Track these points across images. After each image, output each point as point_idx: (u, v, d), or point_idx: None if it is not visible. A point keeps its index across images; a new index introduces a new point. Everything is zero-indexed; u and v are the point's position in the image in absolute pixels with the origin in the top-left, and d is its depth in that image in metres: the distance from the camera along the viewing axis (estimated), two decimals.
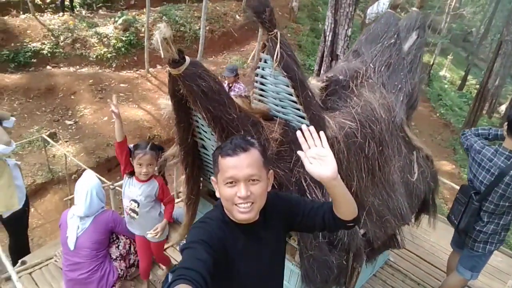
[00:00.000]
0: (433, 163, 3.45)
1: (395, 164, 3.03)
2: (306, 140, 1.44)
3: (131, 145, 3.03)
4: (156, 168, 3.08)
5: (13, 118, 4.09)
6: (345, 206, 1.59)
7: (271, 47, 2.18)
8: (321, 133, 1.44)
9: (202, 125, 2.23)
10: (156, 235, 3.02)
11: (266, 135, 2.33)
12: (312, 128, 1.43)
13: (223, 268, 1.55)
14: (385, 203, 2.91)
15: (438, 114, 15.42)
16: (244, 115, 2.15)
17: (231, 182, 1.49)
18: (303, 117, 2.47)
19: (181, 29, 10.67)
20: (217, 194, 1.58)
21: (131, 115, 7.92)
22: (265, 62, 2.36)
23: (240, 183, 1.49)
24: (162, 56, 1.61)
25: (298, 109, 2.45)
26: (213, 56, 11.31)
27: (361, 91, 2.98)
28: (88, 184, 3.22)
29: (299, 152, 1.45)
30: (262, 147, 1.58)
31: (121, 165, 3.13)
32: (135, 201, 3.06)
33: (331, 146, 2.53)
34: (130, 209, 3.09)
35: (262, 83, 2.54)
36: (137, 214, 3.08)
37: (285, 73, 2.24)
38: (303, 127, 1.43)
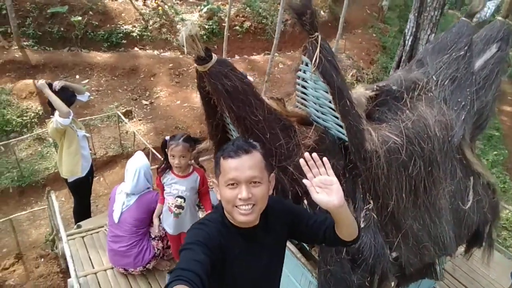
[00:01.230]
0: (495, 192, 3.10)
1: (445, 188, 2.77)
2: (310, 169, 1.43)
3: (167, 137, 3.10)
4: (192, 161, 3.12)
5: (87, 93, 4.45)
6: (347, 229, 1.58)
7: (310, 51, 2.11)
8: (325, 159, 1.42)
9: (229, 123, 2.23)
10: None
11: (297, 140, 2.26)
12: (315, 155, 1.41)
13: (218, 270, 1.55)
14: (426, 228, 2.68)
15: None
16: (274, 118, 2.12)
17: (232, 184, 1.50)
18: (341, 126, 2.36)
19: (263, 21, 10.76)
20: (218, 197, 1.58)
21: None
22: (306, 65, 2.29)
23: (241, 185, 1.49)
24: (185, 52, 1.63)
25: (337, 117, 2.35)
26: (292, 51, 11.24)
27: (416, 104, 2.75)
28: (138, 164, 3.41)
29: (304, 181, 1.44)
30: (263, 149, 1.58)
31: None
32: (181, 197, 3.12)
33: (369, 160, 2.40)
34: (176, 205, 3.14)
35: (303, 87, 2.47)
36: (183, 209, 3.15)
37: (323, 79, 2.15)
38: (306, 155, 1.42)
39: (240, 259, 1.64)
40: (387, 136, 2.53)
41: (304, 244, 2.65)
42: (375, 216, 2.48)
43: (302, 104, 2.59)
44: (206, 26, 9.93)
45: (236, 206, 1.51)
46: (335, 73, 2.14)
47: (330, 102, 2.29)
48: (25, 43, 8.42)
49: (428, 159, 2.66)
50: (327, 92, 2.25)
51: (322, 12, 12.04)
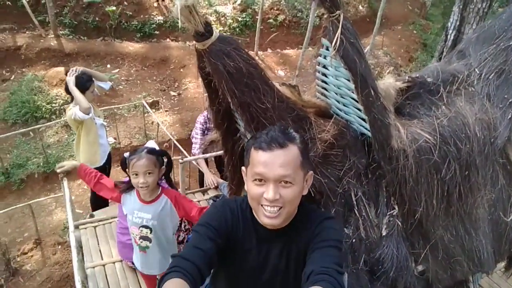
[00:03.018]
0: None
1: (483, 196, 2.43)
2: None
3: (126, 153, 2.58)
4: (161, 178, 2.59)
5: (110, 83, 4.37)
6: None
7: (330, 32, 1.84)
8: None
9: (234, 110, 2.01)
10: None
11: (312, 134, 2.00)
12: None
13: (226, 258, 1.47)
14: (460, 240, 2.35)
15: None
16: (285, 106, 1.87)
17: (259, 180, 1.32)
18: (364, 120, 2.09)
19: (298, 15, 10.45)
20: (245, 187, 1.42)
21: None
22: (326, 49, 2.02)
23: (269, 183, 1.30)
24: (180, 25, 1.43)
25: (360, 110, 2.07)
26: None
27: (454, 99, 2.42)
28: None
29: None
30: (303, 144, 1.37)
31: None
32: (146, 227, 2.59)
33: (395, 160, 2.11)
34: (141, 237, 2.63)
35: (324, 74, 2.21)
36: (150, 242, 2.62)
37: (345, 64, 1.89)
38: None
39: (247, 257, 1.48)
40: (418, 133, 2.22)
41: None
42: (399, 224, 2.19)
43: (322, 94, 2.32)
44: (239, 19, 9.74)
45: (261, 205, 1.34)
46: (358, 58, 1.86)
47: (352, 91, 2.02)
48: (61, 32, 8.56)
49: (465, 162, 2.33)
50: (349, 80, 1.98)
51: (360, 7, 11.57)
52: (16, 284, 4.31)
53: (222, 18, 9.72)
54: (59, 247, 4.85)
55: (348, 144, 2.15)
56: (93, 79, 4.05)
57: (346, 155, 2.13)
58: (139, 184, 2.40)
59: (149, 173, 2.41)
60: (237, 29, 9.69)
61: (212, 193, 4.54)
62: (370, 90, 1.93)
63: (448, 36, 5.63)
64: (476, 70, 2.59)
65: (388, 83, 2.26)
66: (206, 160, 4.67)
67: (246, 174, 1.41)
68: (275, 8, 10.41)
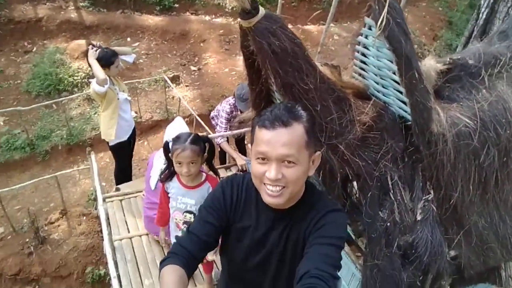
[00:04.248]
0: None
1: None
2: None
3: (169, 139, 2.61)
4: (204, 166, 2.64)
5: (134, 55, 4.35)
6: None
7: (376, 11, 1.78)
8: None
9: (275, 91, 1.97)
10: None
11: (352, 116, 1.97)
12: None
13: (226, 232, 1.53)
14: (494, 227, 2.32)
15: None
16: (327, 87, 1.84)
17: (262, 159, 1.29)
18: (404, 103, 2.04)
19: None
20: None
21: None
22: (369, 28, 1.96)
23: (271, 162, 1.27)
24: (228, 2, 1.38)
25: (401, 92, 2.02)
26: (349, 22, 10.60)
27: (495, 83, 2.34)
28: (177, 130, 3.25)
29: None
30: (310, 123, 1.30)
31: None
32: (190, 212, 2.64)
33: (434, 144, 2.07)
34: (185, 222, 2.68)
35: (363, 54, 2.15)
36: None
37: (389, 45, 1.83)
38: None
39: (245, 233, 1.49)
40: (458, 118, 2.16)
41: (350, 232, 2.39)
42: (434, 209, 2.16)
43: (360, 75, 2.27)
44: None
45: (264, 184, 1.32)
46: (404, 39, 1.80)
47: (394, 73, 1.97)
48: (81, 4, 8.50)
49: (504, 149, 2.27)
50: (391, 62, 1.92)
51: None
52: (45, 252, 4.45)
53: None
54: (84, 218, 4.96)
55: (386, 127, 2.12)
56: (117, 53, 4.04)
57: (384, 138, 2.10)
58: (183, 172, 2.48)
59: (193, 163, 2.46)
60: (258, 3, 9.49)
61: (235, 170, 4.57)
62: (414, 72, 1.87)
63: (480, 15, 5.41)
64: None
65: (429, 64, 2.19)
66: (227, 139, 4.67)
67: (251, 152, 1.39)
68: None
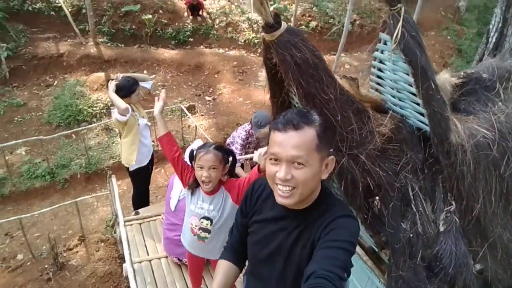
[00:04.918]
0: None
1: None
2: None
3: (194, 147, 2.70)
4: (225, 177, 2.65)
5: (152, 81, 4.51)
6: None
7: (391, 25, 1.87)
8: None
9: (297, 103, 2.04)
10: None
11: (371, 127, 2.02)
12: None
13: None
14: None
15: None
16: (346, 99, 1.90)
17: (275, 160, 1.37)
18: (422, 114, 2.08)
19: (330, 21, 10.49)
20: None
21: (265, 99, 8.00)
22: (385, 43, 2.04)
23: (282, 163, 1.35)
24: (252, 12, 1.48)
25: (418, 104, 2.07)
26: (359, 52, 10.83)
27: (510, 96, 2.38)
28: None
29: None
30: (322, 127, 1.36)
31: (177, 171, 2.79)
32: (207, 218, 2.64)
33: (453, 155, 2.09)
34: (201, 228, 2.66)
35: (380, 69, 2.22)
36: (209, 233, 2.66)
37: (405, 57, 1.90)
38: None
39: (259, 227, 1.61)
40: (476, 129, 2.19)
41: (373, 245, 2.38)
42: (457, 220, 2.16)
43: (376, 90, 2.33)
44: (259, 36, 9.84)
45: (276, 184, 1.39)
46: (419, 51, 1.88)
47: (410, 85, 2.03)
48: (100, 40, 8.88)
49: None
50: (407, 74, 1.99)
51: None
52: (63, 278, 4.45)
53: (255, 25, 9.84)
54: (102, 244, 4.99)
55: (405, 139, 2.16)
56: (138, 81, 4.20)
57: (403, 149, 2.13)
58: (203, 177, 2.47)
59: (214, 168, 2.47)
60: None
61: None
62: (431, 83, 1.93)
63: (490, 39, 5.52)
64: None
65: (444, 78, 2.26)
66: (242, 165, 4.73)
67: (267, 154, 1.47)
68: (307, 15, 10.47)
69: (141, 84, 4.24)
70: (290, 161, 1.33)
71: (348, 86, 2.02)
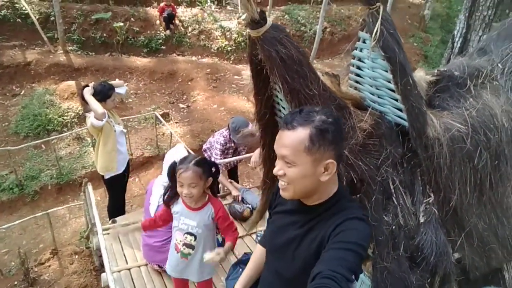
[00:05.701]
0: None
1: None
2: None
3: (178, 159, 2.62)
4: (209, 190, 2.66)
5: (126, 87, 4.46)
6: None
7: (370, 23, 1.93)
8: None
9: (281, 100, 2.07)
10: (214, 259, 2.37)
11: (352, 123, 2.07)
12: None
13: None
14: (493, 228, 2.40)
15: None
16: (328, 95, 1.94)
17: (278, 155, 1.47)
18: (400, 110, 2.15)
19: (301, 28, 10.68)
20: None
21: (239, 106, 8.13)
22: (364, 42, 2.11)
23: (279, 159, 1.45)
24: (239, 10, 1.50)
25: (396, 100, 2.14)
26: (330, 59, 11.06)
27: (480, 92, 2.50)
28: (177, 155, 3.27)
29: None
30: (318, 129, 1.36)
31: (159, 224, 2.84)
32: (190, 234, 2.62)
33: (431, 148, 2.17)
34: (185, 244, 2.64)
35: (358, 67, 2.28)
36: (193, 249, 2.65)
37: (384, 54, 1.96)
38: None
39: (275, 218, 1.71)
40: (450, 123, 2.29)
41: None
42: (436, 211, 2.23)
43: (355, 88, 2.39)
44: (245, 33, 9.92)
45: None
46: (397, 48, 1.94)
47: (389, 82, 2.10)
48: (69, 48, 8.70)
49: (494, 152, 2.40)
50: (386, 71, 2.06)
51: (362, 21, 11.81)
52: None
53: (228, 33, 9.90)
54: (76, 256, 4.84)
55: (384, 134, 2.22)
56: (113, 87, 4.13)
57: (383, 144, 2.19)
58: (184, 194, 2.46)
59: (193, 185, 2.45)
60: (243, 43, 9.87)
61: (230, 199, 4.58)
62: (409, 79, 2.00)
63: (455, 44, 5.78)
64: (499, 65, 2.69)
65: (419, 75, 2.35)
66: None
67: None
68: (279, 23, 10.62)
69: (116, 90, 4.17)
70: (282, 159, 1.42)
71: (330, 83, 2.07)
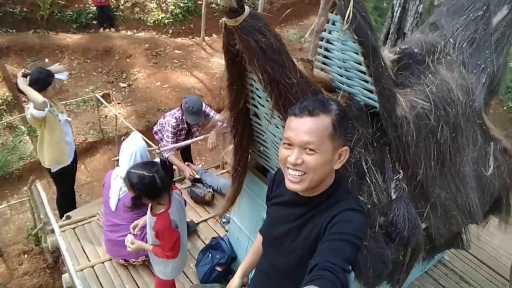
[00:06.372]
0: None
1: (468, 155, 2.67)
2: None
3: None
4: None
5: (66, 72, 4.10)
6: None
7: (342, 6, 1.89)
8: None
9: (257, 89, 2.00)
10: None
11: None
12: None
13: None
14: (453, 197, 2.57)
15: (505, 108, 14.17)
16: (305, 81, 1.90)
17: (288, 144, 1.37)
18: (370, 91, 2.18)
19: None
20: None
21: (183, 82, 7.84)
22: (333, 24, 2.07)
23: (294, 147, 1.35)
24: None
25: (367, 81, 2.16)
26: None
27: (437, 68, 2.61)
28: (134, 145, 3.11)
29: None
30: (339, 117, 1.36)
31: None
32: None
33: (400, 127, 2.24)
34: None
35: (326, 49, 2.25)
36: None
37: (356, 37, 1.94)
38: None
39: (273, 209, 1.68)
40: (415, 101, 2.37)
41: None
42: (405, 187, 2.33)
43: (322, 69, 2.37)
44: (181, 5, 9.47)
45: (287, 168, 1.39)
46: (369, 31, 1.94)
47: (359, 64, 2.10)
48: None
49: (452, 125, 2.54)
50: (357, 54, 2.05)
51: None
52: None
53: (163, 5, 9.39)
54: (25, 256, 4.51)
55: (355, 116, 2.24)
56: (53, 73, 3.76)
57: (354, 126, 2.22)
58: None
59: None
60: (180, 15, 9.44)
61: (188, 183, 4.49)
62: (380, 61, 2.01)
63: (394, 13, 5.94)
64: (451, 40, 2.80)
65: (384, 54, 2.37)
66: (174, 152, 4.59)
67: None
68: None
69: (56, 76, 3.81)
70: (302, 147, 1.33)
71: (303, 68, 2.03)
